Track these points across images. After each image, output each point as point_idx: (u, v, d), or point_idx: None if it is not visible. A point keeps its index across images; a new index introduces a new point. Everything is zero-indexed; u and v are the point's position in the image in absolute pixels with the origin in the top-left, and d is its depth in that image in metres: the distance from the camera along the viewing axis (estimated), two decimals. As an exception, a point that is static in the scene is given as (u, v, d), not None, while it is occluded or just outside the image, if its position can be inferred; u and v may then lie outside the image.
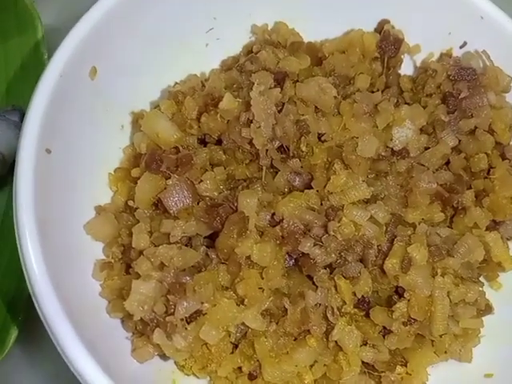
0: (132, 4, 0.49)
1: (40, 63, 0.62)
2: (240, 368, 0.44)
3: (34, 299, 0.39)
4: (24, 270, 0.40)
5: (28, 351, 0.51)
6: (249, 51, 0.58)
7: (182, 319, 0.40)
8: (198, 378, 0.45)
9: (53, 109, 0.42)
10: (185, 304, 0.40)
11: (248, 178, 0.48)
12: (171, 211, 0.45)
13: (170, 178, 0.46)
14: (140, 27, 0.51)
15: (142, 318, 0.40)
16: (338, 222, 0.43)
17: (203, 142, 0.50)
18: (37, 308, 0.39)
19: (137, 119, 0.53)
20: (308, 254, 0.43)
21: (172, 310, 0.40)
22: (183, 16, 0.54)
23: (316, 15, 0.58)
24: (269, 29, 0.57)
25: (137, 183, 0.48)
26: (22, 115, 0.60)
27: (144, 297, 0.40)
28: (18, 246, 0.40)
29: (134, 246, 0.45)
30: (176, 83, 0.55)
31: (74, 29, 0.45)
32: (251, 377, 0.44)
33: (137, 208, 0.47)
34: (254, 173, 0.48)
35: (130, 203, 0.47)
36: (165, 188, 0.45)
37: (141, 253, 0.45)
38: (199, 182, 0.46)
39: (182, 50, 0.55)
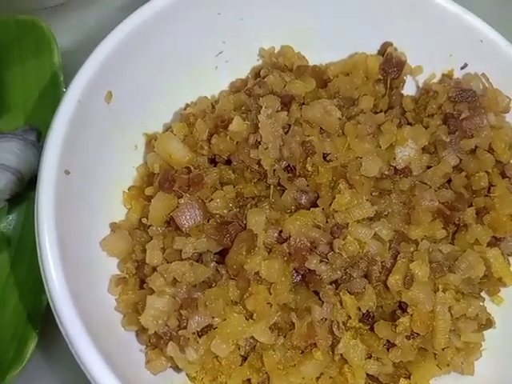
0: (145, 31, 0.51)
1: (56, 84, 0.64)
2: (249, 380, 0.46)
3: (53, 311, 0.41)
4: (44, 282, 0.41)
5: (46, 361, 0.53)
6: (256, 73, 0.60)
7: (193, 333, 0.42)
8: (208, 389, 0.47)
9: (71, 132, 0.44)
10: (196, 318, 0.41)
11: (256, 196, 0.50)
12: (183, 229, 0.47)
13: (182, 197, 0.48)
14: (152, 52, 0.53)
15: (155, 332, 0.42)
16: (343, 239, 0.45)
17: (213, 162, 0.52)
18: (56, 320, 0.41)
19: (150, 140, 0.55)
20: (314, 270, 0.45)
21: (184, 324, 0.42)
22: (194, 40, 0.56)
23: (321, 39, 0.61)
24: (276, 52, 0.60)
25: (150, 201, 0.50)
26: (39, 134, 0.64)
27: (158, 311, 0.42)
28: (39, 260, 0.42)
29: (147, 262, 0.47)
30: (187, 105, 0.58)
31: (91, 56, 0.47)
32: (259, 389, 0.46)
33: (150, 225, 0.50)
34: (262, 191, 0.51)
35: (144, 221, 0.49)
36: (177, 207, 0.48)
37: (154, 269, 0.47)
38: (210, 201, 0.48)
39: (193, 73, 0.58)
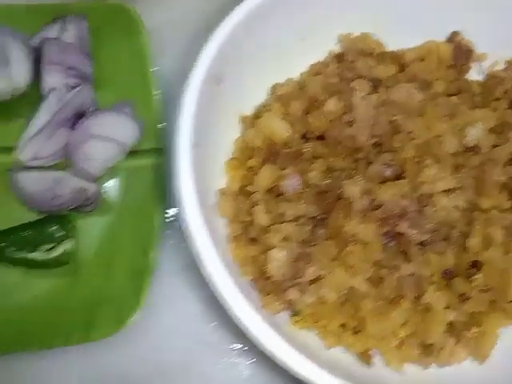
0: (249, 20, 0.57)
1: (144, 63, 0.70)
2: (343, 325, 0.54)
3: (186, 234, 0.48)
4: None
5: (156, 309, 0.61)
6: (336, 57, 0.66)
7: (307, 281, 0.50)
8: (308, 331, 0.54)
9: (197, 112, 0.51)
10: (311, 269, 0.49)
11: (346, 169, 0.57)
12: (287, 195, 0.54)
13: (285, 168, 0.55)
14: (252, 41, 0.59)
15: (275, 280, 0.50)
16: (430, 207, 0.52)
17: (305, 138, 0.59)
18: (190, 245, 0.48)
19: (245, 118, 0.62)
20: (404, 233, 0.53)
21: (300, 274, 0.50)
22: (284, 30, 0.62)
23: (392, 26, 0.66)
24: (355, 37, 0.65)
25: (250, 171, 0.58)
26: (132, 108, 0.69)
27: (280, 262, 0.49)
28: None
29: (258, 222, 0.54)
30: (275, 86, 0.64)
31: (210, 42, 0.54)
32: (355, 332, 0.53)
33: (253, 192, 0.57)
34: (350, 164, 0.57)
35: (250, 188, 0.56)
36: (281, 177, 0.55)
37: (262, 229, 0.54)
38: (307, 173, 0.55)
39: (280, 58, 0.64)
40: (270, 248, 0.51)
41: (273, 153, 0.55)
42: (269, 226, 0.54)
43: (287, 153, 0.55)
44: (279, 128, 0.56)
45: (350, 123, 0.55)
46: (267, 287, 0.52)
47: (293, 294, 0.49)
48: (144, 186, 0.66)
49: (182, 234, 0.65)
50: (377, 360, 0.54)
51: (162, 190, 0.64)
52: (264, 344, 0.45)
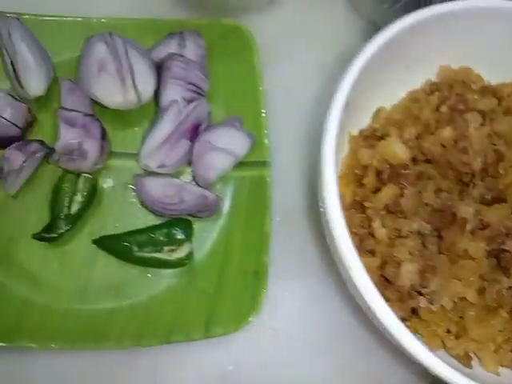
0: (373, 56, 0.63)
1: (254, 81, 0.75)
2: (448, 331, 0.61)
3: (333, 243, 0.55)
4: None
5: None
6: (432, 85, 0.73)
7: (431, 291, 0.57)
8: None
9: (338, 133, 0.58)
10: (435, 280, 0.56)
11: (453, 191, 0.64)
12: (405, 212, 0.61)
13: (404, 188, 0.62)
14: (370, 70, 0.65)
15: (401, 289, 0.57)
16: (531, 228, 0.60)
17: (414, 161, 0.66)
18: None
19: (355, 137, 0.68)
20: (507, 250, 0.60)
21: (425, 284, 0.57)
22: (395, 62, 0.69)
23: (486, 62, 0.73)
24: (454, 70, 0.72)
25: (362, 187, 0.64)
26: (241, 122, 0.75)
27: (409, 273, 0.56)
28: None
29: (376, 236, 0.61)
30: (381, 109, 0.71)
31: (350, 69, 0.60)
32: (457, 337, 0.61)
33: (368, 207, 0.63)
34: (456, 186, 0.64)
35: (368, 204, 0.63)
36: (401, 195, 0.61)
37: (380, 242, 0.61)
38: (422, 193, 0.62)
39: (385, 83, 0.71)
40: (394, 260, 0.58)
41: (394, 174, 0.62)
42: (389, 240, 0.61)
43: (409, 174, 0.62)
44: (400, 151, 0.63)
45: (464, 150, 0.62)
46: (386, 294, 0.59)
47: (423, 302, 0.56)
48: (250, 194, 0.73)
49: (287, 240, 0.73)
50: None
51: (269, 199, 0.71)
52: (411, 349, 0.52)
